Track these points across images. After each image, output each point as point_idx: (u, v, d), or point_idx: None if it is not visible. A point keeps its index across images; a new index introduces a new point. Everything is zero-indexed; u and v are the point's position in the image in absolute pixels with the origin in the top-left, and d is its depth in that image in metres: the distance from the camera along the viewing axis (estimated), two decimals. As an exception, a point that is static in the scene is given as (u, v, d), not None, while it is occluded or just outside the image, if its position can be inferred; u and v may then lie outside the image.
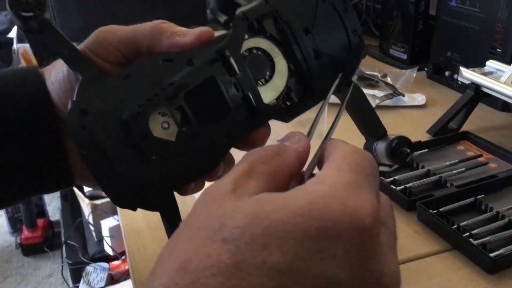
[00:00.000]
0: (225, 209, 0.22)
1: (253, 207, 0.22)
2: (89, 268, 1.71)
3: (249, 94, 0.34)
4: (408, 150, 0.41)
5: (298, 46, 0.36)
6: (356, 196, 0.22)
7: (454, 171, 0.63)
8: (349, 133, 0.42)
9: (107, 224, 1.67)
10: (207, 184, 0.28)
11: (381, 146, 0.42)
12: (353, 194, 0.22)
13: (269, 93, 0.36)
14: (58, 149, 0.37)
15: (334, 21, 0.37)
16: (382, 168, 0.44)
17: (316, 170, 0.28)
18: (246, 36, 0.35)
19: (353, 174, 0.24)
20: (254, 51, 0.36)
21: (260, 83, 0.36)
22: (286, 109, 0.37)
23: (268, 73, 0.36)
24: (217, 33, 0.37)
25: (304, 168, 0.28)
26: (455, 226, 0.53)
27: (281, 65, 0.36)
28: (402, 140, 0.41)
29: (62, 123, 0.37)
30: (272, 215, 0.21)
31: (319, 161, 0.28)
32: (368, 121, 0.42)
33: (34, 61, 2.16)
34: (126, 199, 0.33)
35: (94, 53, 0.35)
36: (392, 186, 0.60)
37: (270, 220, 0.21)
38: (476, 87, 0.74)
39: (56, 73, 0.37)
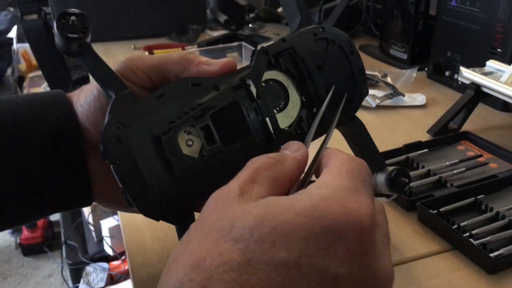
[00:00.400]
0: (234, 211, 0.25)
1: (261, 209, 0.24)
2: (89, 268, 1.71)
3: (268, 119, 0.38)
4: (407, 180, 0.45)
5: (311, 80, 0.40)
6: (355, 199, 0.25)
7: (454, 171, 0.63)
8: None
9: (107, 224, 1.67)
10: None
11: (380, 177, 0.45)
12: (352, 197, 0.25)
13: (283, 120, 0.39)
14: (81, 171, 0.39)
15: (342, 61, 0.42)
16: (380, 199, 0.48)
17: (313, 177, 0.31)
18: (265, 69, 0.39)
19: (351, 179, 0.26)
20: (271, 82, 0.40)
21: (275, 110, 0.39)
22: (297, 136, 0.40)
23: (282, 103, 0.40)
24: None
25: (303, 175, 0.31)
26: (455, 226, 0.53)
27: (295, 96, 0.40)
28: (401, 171, 0.45)
29: (87, 144, 0.39)
30: (278, 217, 0.23)
31: (317, 168, 0.30)
32: (368, 154, 0.45)
33: (33, 61, 2.16)
34: (151, 209, 0.35)
35: (124, 77, 0.38)
36: (392, 186, 0.60)
37: (277, 220, 0.23)
38: (476, 87, 0.74)
39: (86, 95, 0.39)
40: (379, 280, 0.24)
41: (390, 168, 0.45)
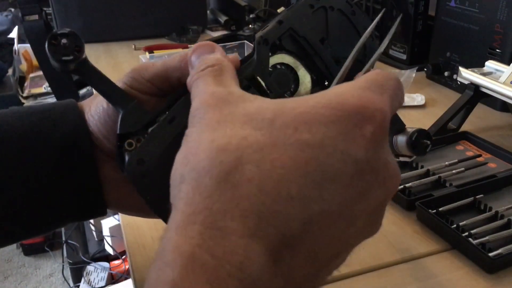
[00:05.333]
0: (246, 108, 0.25)
1: (276, 104, 0.25)
2: (89, 268, 1.71)
3: None
4: (428, 142, 0.43)
5: (319, 56, 0.39)
6: (371, 95, 0.25)
7: (454, 171, 0.63)
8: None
9: (107, 223, 1.67)
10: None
11: (401, 139, 0.43)
12: (367, 93, 0.25)
13: None
14: (93, 180, 0.39)
15: (345, 26, 0.40)
16: (402, 159, 0.46)
17: None
18: (269, 54, 0.38)
19: (369, 82, 0.26)
20: (278, 66, 0.38)
21: (286, 95, 0.38)
22: None
23: (293, 85, 0.39)
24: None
25: None
26: (455, 225, 0.53)
27: (305, 77, 0.39)
28: (422, 133, 0.43)
29: (100, 152, 0.39)
30: (296, 109, 0.24)
31: None
32: None
33: (34, 62, 2.16)
34: None
35: (131, 87, 0.38)
36: (391, 186, 0.60)
37: (296, 112, 0.24)
38: (475, 87, 0.74)
39: (96, 107, 0.39)
40: (389, 175, 0.25)
41: (411, 130, 0.43)
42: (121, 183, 0.40)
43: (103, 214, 0.41)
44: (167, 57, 0.41)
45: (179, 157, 0.25)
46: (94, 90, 0.39)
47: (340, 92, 0.25)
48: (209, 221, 0.22)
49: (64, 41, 0.35)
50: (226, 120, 0.25)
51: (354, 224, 0.24)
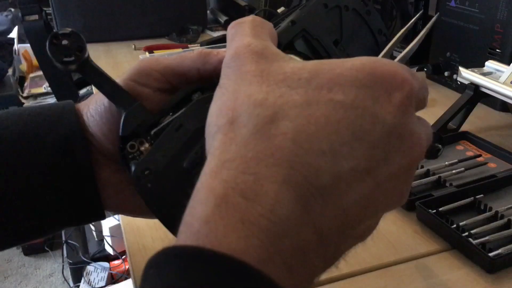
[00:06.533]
0: (282, 67, 0.26)
1: (313, 65, 0.26)
2: (89, 268, 1.71)
3: None
4: (440, 146, 0.42)
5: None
6: (401, 68, 0.26)
7: (454, 171, 0.63)
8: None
9: (107, 223, 1.67)
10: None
11: None
12: (398, 66, 0.27)
13: None
14: (89, 183, 0.38)
15: (360, 26, 0.39)
16: None
17: None
18: None
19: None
20: None
21: None
22: None
23: None
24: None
25: None
26: (455, 225, 0.53)
27: None
28: (434, 136, 0.43)
29: (99, 154, 0.38)
30: (332, 71, 0.25)
31: None
32: None
33: (34, 62, 2.16)
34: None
35: (137, 82, 0.37)
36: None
37: (331, 74, 0.25)
38: (475, 87, 0.74)
39: (96, 105, 0.38)
40: (413, 143, 0.26)
41: None
42: (122, 186, 0.39)
43: (101, 218, 0.41)
44: (167, 56, 0.40)
45: (214, 109, 0.26)
46: (94, 89, 0.38)
47: (374, 59, 0.26)
48: (243, 167, 0.23)
49: (65, 41, 0.34)
50: (262, 75, 0.26)
51: (380, 186, 0.25)
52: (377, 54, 0.39)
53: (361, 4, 0.38)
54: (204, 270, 0.20)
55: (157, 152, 0.33)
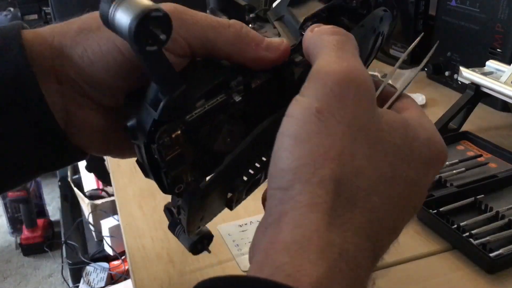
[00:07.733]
0: (380, 123, 0.30)
1: (403, 131, 0.31)
2: (89, 268, 1.71)
3: None
4: None
5: None
6: (438, 135, 0.34)
7: (454, 171, 0.63)
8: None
9: (107, 224, 1.66)
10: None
11: None
12: (437, 133, 0.34)
13: None
14: (50, 124, 0.34)
15: (368, 36, 0.43)
16: None
17: None
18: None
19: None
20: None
21: None
22: None
23: None
24: None
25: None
26: (455, 226, 0.53)
27: None
28: None
29: (75, 93, 0.34)
30: (416, 141, 0.32)
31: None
32: None
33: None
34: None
35: None
36: (392, 186, 0.60)
37: (414, 145, 0.31)
38: (476, 87, 0.74)
39: (102, 51, 0.33)
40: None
41: None
42: (104, 130, 0.36)
43: (80, 159, 0.37)
44: (198, 16, 0.34)
45: (305, 151, 0.27)
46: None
47: (439, 138, 0.34)
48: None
49: (153, 28, 0.27)
50: (368, 133, 0.29)
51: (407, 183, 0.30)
52: (375, 54, 0.41)
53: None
54: None
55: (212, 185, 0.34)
